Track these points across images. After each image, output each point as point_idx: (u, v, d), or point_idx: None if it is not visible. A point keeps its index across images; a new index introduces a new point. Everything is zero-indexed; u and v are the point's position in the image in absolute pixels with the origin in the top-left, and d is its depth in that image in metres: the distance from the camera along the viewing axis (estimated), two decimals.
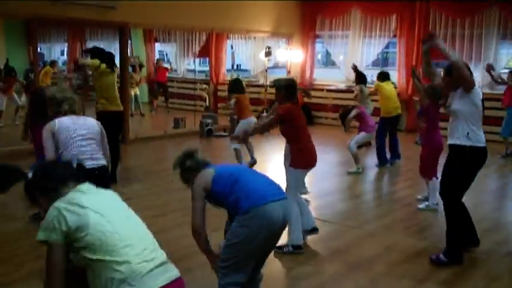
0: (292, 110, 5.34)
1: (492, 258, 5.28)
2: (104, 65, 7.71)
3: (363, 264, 5.09)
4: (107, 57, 7.90)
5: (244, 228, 3.46)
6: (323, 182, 8.11)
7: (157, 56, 18.23)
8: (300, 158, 5.37)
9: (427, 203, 6.87)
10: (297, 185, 5.51)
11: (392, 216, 6.74)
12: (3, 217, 6.25)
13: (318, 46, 16.10)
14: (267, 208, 3.46)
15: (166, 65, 17.06)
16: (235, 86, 9.08)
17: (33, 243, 5.37)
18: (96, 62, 7.70)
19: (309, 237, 5.79)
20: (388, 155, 9.40)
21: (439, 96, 6.33)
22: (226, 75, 16.12)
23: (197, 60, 17.12)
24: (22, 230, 5.81)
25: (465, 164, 4.96)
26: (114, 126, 7.61)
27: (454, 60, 4.85)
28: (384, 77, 9.74)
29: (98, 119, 7.30)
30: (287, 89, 5.40)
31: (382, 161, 9.32)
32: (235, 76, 8.88)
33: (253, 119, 8.89)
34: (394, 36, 13.60)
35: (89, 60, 7.94)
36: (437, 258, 5.05)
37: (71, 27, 17.59)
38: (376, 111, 10.31)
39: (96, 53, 7.93)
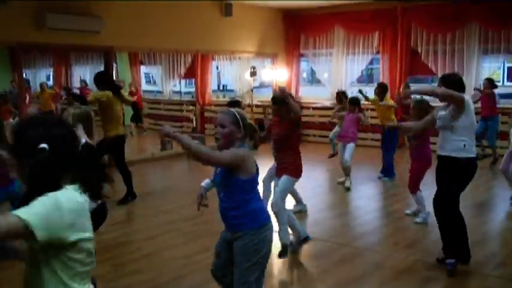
0: None
1: (483, 270, 5.32)
2: (110, 94, 7.84)
3: (354, 281, 5.10)
4: (112, 83, 8.23)
5: (264, 242, 3.52)
6: (312, 199, 8.12)
7: (143, 79, 18.20)
8: (299, 168, 5.71)
9: (424, 215, 6.88)
10: (287, 193, 5.85)
11: (381, 232, 6.77)
12: None
13: (303, 64, 16.23)
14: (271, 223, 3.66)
15: (132, 88, 16.46)
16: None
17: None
18: (109, 93, 7.83)
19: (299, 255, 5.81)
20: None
21: (427, 110, 6.44)
22: (212, 96, 16.17)
23: (183, 81, 17.15)
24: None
25: (461, 175, 5.12)
26: (122, 149, 8.06)
27: (440, 93, 5.07)
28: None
29: (111, 144, 7.75)
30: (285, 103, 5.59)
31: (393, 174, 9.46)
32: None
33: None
34: (377, 52, 13.76)
35: (100, 93, 7.88)
36: (449, 264, 5.09)
37: (55, 52, 17.58)
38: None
39: (104, 81, 8.05)
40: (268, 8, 14.27)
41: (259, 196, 3.68)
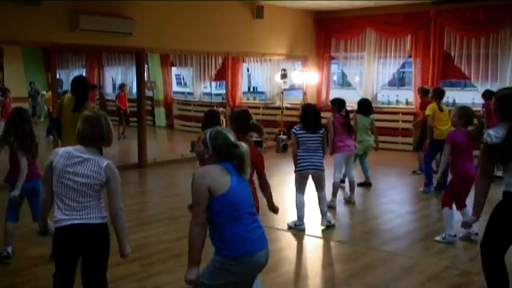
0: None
1: None
2: (69, 97, 6.69)
3: (383, 286, 5.04)
4: (79, 90, 6.71)
5: (225, 272, 3.17)
6: (341, 204, 8.08)
7: (174, 80, 18.33)
8: None
9: (443, 235, 6.33)
10: None
11: (412, 237, 6.67)
12: (29, 242, 6.27)
13: (334, 67, 16.14)
14: (254, 259, 3.22)
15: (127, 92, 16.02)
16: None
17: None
18: (69, 97, 6.72)
19: (328, 259, 5.77)
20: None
21: (468, 118, 6.13)
22: (242, 98, 16.19)
23: (213, 83, 17.24)
24: (40, 256, 5.81)
25: None
26: None
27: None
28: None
29: None
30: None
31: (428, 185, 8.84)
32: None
33: None
34: (410, 56, 13.62)
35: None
36: None
37: (88, 53, 17.85)
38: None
39: (73, 86, 6.84)
40: (299, 10, 14.25)
41: (238, 229, 3.20)
